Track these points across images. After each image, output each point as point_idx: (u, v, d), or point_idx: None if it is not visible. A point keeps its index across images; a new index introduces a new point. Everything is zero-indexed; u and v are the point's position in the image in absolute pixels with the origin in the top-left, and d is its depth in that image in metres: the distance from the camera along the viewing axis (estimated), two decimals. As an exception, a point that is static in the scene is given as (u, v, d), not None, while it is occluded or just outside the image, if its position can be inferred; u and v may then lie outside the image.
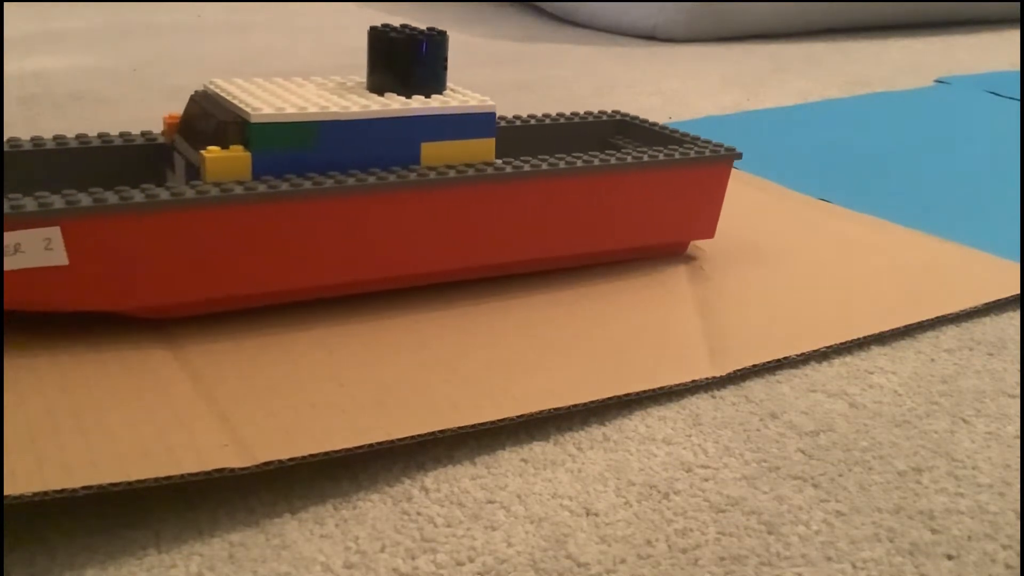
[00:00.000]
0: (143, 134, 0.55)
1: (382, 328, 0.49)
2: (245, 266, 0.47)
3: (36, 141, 0.52)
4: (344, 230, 0.49)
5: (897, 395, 0.45)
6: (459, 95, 0.53)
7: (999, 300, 0.54)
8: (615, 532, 0.35)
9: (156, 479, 0.35)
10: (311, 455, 0.37)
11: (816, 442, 0.41)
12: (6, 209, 0.42)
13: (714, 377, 0.45)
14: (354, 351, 0.46)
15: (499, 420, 0.41)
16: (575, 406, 0.42)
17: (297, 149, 0.48)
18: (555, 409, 0.42)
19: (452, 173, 0.50)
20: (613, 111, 0.66)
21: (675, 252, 0.60)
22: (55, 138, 0.53)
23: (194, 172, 0.49)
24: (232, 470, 0.36)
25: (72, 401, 0.41)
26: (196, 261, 0.46)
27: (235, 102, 0.49)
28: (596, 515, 0.36)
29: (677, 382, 0.45)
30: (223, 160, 0.47)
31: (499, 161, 0.53)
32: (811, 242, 0.62)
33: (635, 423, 0.42)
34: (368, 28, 0.52)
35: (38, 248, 0.43)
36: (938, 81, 1.18)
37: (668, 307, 0.52)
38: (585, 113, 0.65)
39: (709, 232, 0.60)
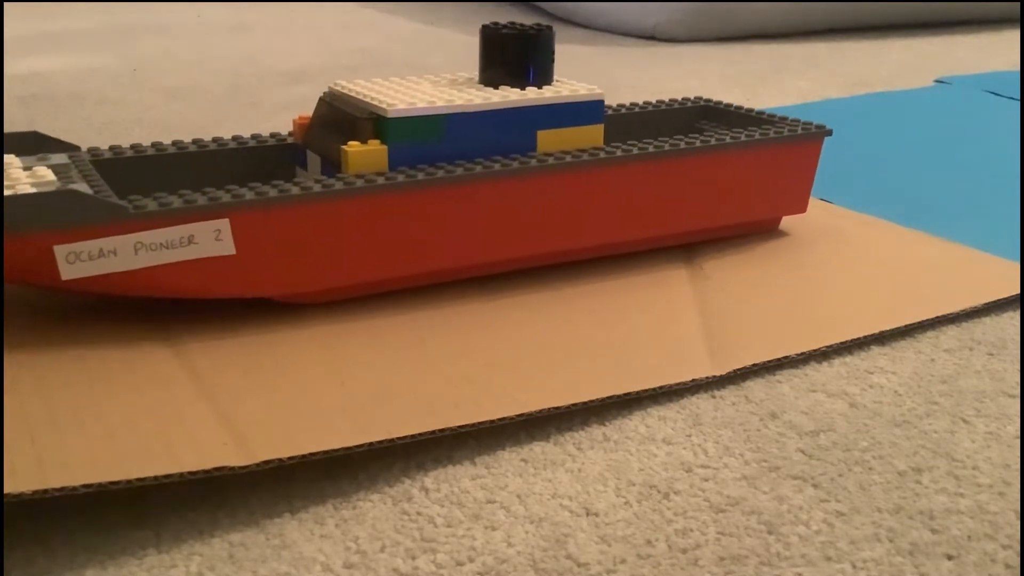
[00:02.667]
0: (273, 135, 0.59)
1: (382, 327, 0.49)
2: (385, 252, 0.51)
3: (179, 145, 0.56)
4: (473, 215, 0.52)
5: (897, 395, 0.45)
6: (568, 85, 0.57)
7: (999, 300, 0.54)
8: (615, 532, 0.35)
9: (156, 477, 0.35)
10: (311, 453, 0.37)
11: (816, 442, 0.41)
12: (180, 203, 0.46)
13: (714, 376, 0.45)
14: (354, 350, 0.46)
15: (499, 419, 0.41)
16: (575, 405, 0.42)
17: (427, 141, 0.52)
18: (555, 408, 0.42)
19: (568, 158, 0.54)
20: (696, 97, 0.69)
21: (769, 229, 0.63)
22: (194, 141, 0.57)
23: (330, 168, 0.53)
24: (232, 468, 0.36)
25: (72, 399, 0.41)
26: (343, 248, 0.50)
27: (368, 100, 0.53)
28: (596, 515, 0.36)
29: (677, 381, 0.44)
30: (364, 154, 0.50)
31: (608, 146, 0.56)
32: (811, 242, 0.62)
33: (635, 423, 0.42)
34: (480, 26, 0.56)
35: (209, 239, 0.46)
36: (938, 81, 1.18)
37: (668, 307, 0.52)
38: (670, 100, 0.69)
39: (802, 207, 0.63)
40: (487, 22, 0.56)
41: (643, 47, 1.46)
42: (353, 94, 0.54)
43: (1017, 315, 0.53)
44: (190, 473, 0.36)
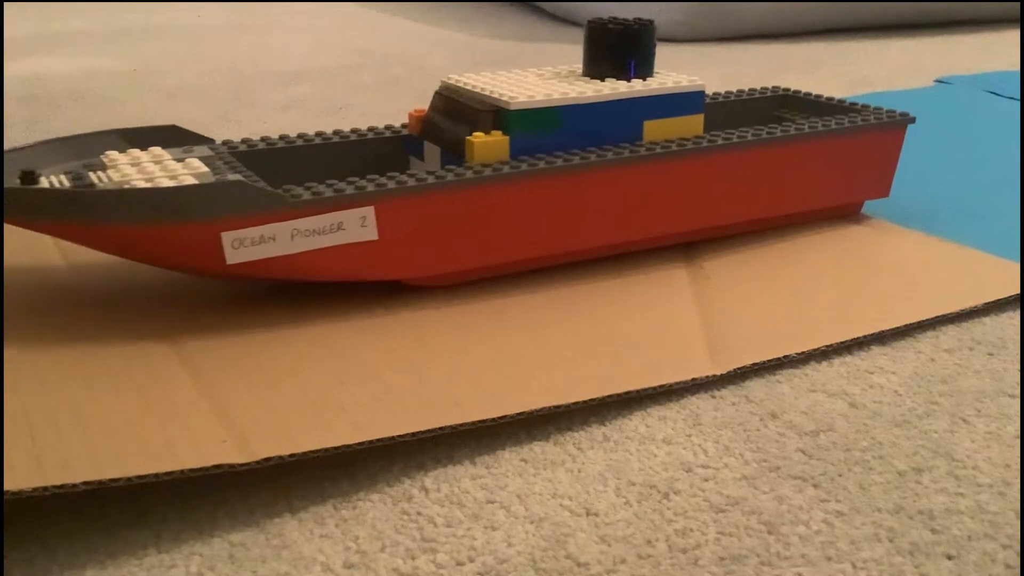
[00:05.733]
0: (387, 127, 0.62)
1: (382, 326, 0.49)
2: (506, 236, 0.53)
3: (304, 137, 0.59)
4: (588, 201, 0.55)
5: (897, 395, 0.45)
6: (671, 76, 0.59)
7: (999, 300, 0.54)
8: (615, 532, 0.35)
9: (156, 475, 0.35)
10: (311, 451, 0.37)
11: (816, 442, 0.41)
12: (330, 193, 0.48)
13: (714, 375, 0.45)
14: (355, 348, 0.46)
15: (500, 417, 0.41)
16: (576, 403, 0.42)
17: (545, 132, 0.55)
18: (556, 407, 0.42)
19: (674, 146, 0.56)
20: (775, 86, 0.72)
21: (853, 213, 0.66)
22: (318, 133, 0.60)
23: (450, 158, 0.55)
24: (232, 466, 0.36)
25: (72, 397, 0.41)
26: (469, 233, 0.52)
27: (487, 93, 0.55)
28: (596, 515, 0.36)
29: (677, 380, 0.44)
30: (488, 144, 0.53)
31: (710, 134, 0.59)
32: (811, 242, 0.62)
33: (635, 423, 0.42)
34: (587, 21, 0.59)
35: (355, 225, 0.49)
36: (938, 81, 1.18)
37: (668, 306, 0.52)
38: (751, 90, 0.72)
39: (885, 191, 0.66)
40: (585, 19, 0.59)
41: (643, 47, 1.45)
42: (471, 88, 0.56)
43: (1017, 315, 0.53)
44: (190, 471, 0.36)
